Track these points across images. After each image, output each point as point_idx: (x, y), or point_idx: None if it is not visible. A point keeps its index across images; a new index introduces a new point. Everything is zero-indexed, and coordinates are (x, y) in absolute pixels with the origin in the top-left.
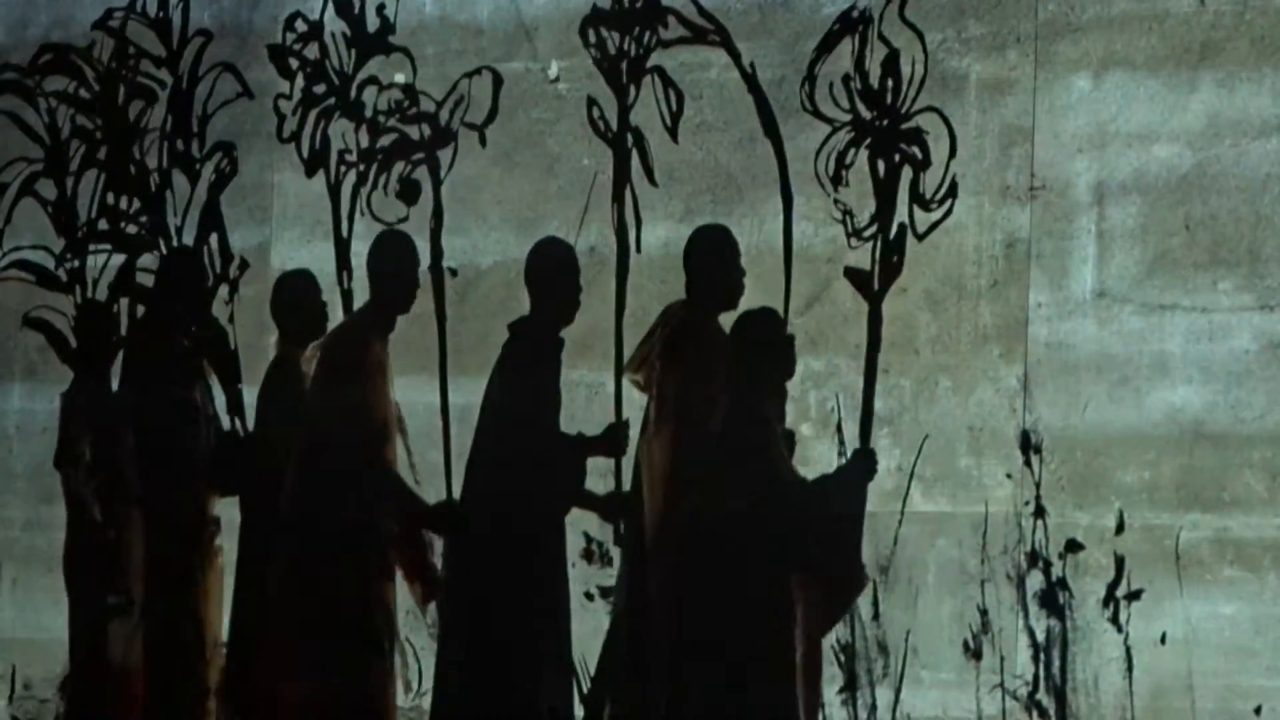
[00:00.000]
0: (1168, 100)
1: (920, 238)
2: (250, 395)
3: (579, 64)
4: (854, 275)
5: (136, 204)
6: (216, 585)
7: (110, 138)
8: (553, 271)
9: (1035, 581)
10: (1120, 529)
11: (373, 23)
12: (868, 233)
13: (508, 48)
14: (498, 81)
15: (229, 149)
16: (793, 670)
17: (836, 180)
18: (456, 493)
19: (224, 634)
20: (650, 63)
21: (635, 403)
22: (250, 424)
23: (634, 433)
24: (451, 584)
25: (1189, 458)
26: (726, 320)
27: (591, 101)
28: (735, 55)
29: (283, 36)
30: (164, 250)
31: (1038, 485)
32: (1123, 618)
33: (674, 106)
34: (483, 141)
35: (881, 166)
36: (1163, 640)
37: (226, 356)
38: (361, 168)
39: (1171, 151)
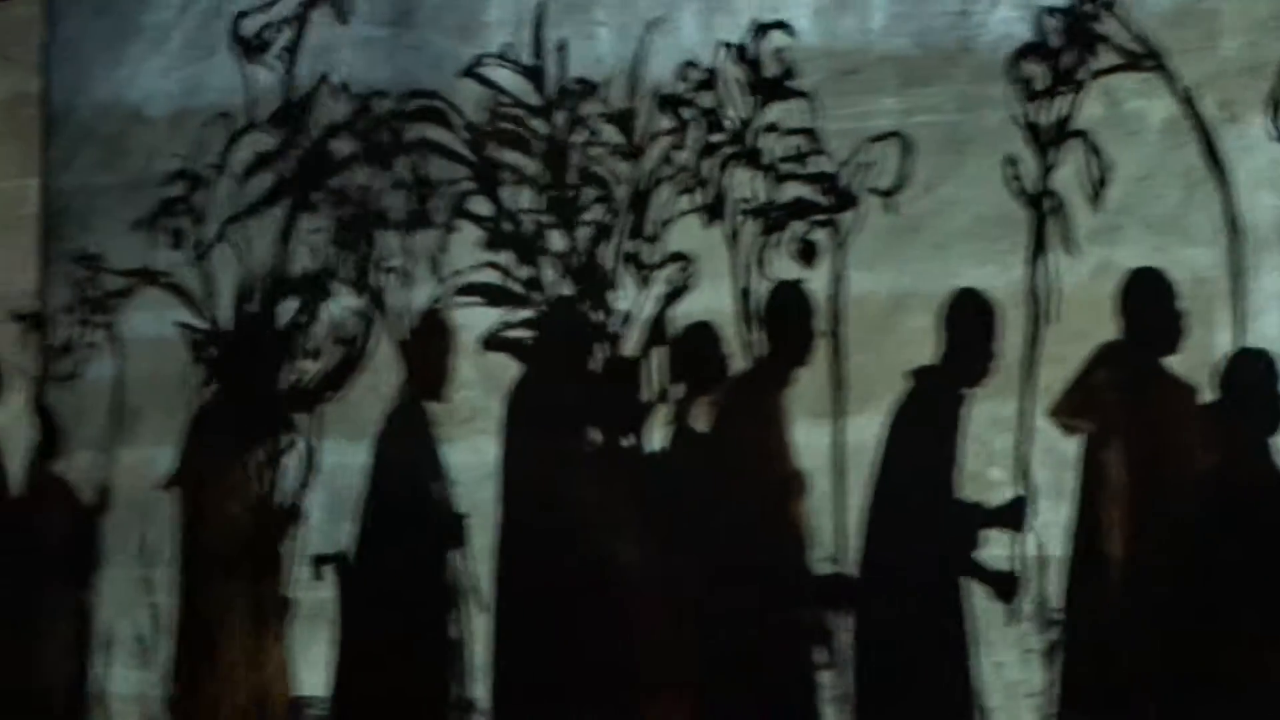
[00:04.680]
0: None
1: None
2: None
3: None
4: None
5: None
6: None
7: (482, 189)
8: (972, 325)
9: None
10: None
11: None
12: None
13: None
14: (905, 147)
15: (687, 262)
16: None
17: None
18: None
19: None
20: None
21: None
22: None
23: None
24: (858, 654)
25: None
26: None
27: (1010, 160)
28: (1176, 82)
29: (676, 84)
30: (541, 306)
31: None
32: None
33: (1097, 174)
34: (889, 210)
35: None
36: None
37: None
38: (758, 218)
39: None
